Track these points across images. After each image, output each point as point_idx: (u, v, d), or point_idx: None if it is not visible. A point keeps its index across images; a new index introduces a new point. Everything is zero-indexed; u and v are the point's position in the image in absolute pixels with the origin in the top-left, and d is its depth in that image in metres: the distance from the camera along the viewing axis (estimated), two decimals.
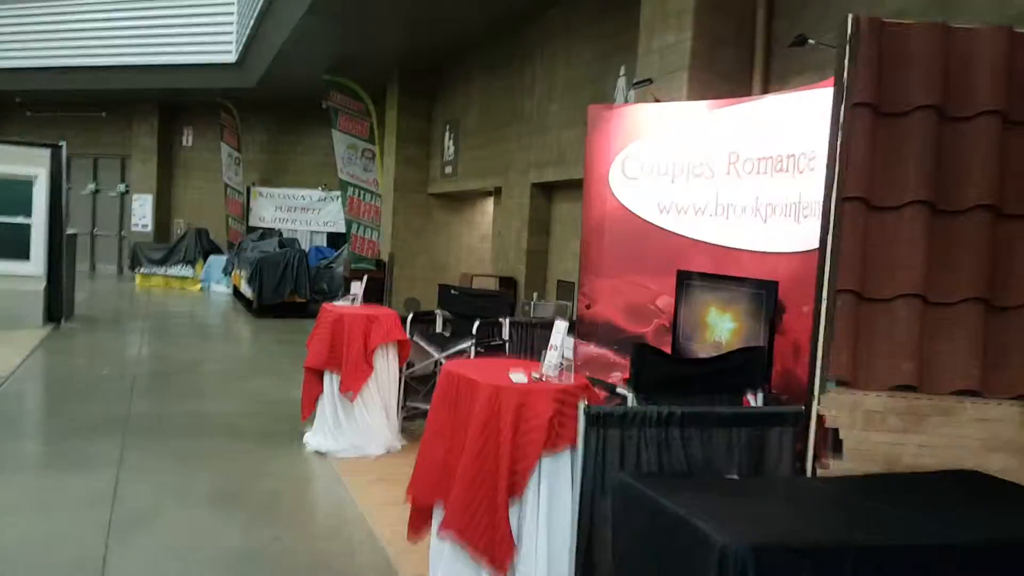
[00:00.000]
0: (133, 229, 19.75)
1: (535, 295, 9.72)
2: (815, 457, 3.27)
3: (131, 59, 16.90)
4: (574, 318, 6.36)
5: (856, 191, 3.18)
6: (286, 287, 13.68)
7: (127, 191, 20.18)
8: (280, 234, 16.90)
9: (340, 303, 6.27)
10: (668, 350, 5.20)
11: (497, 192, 11.58)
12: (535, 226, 10.20)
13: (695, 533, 2.34)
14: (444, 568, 3.39)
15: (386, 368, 5.81)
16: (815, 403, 3.29)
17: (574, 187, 8.98)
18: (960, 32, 3.18)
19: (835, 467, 3.24)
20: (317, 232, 18.20)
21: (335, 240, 17.67)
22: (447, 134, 13.33)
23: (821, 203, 3.30)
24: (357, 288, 6.29)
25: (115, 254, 20.50)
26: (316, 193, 18.13)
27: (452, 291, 6.81)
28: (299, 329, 12.33)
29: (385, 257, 14.13)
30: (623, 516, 2.83)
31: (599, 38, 8.57)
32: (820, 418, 3.28)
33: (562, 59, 9.42)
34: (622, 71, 7.93)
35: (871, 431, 3.26)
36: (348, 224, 14.81)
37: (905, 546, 2.31)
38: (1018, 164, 3.17)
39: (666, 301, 5.71)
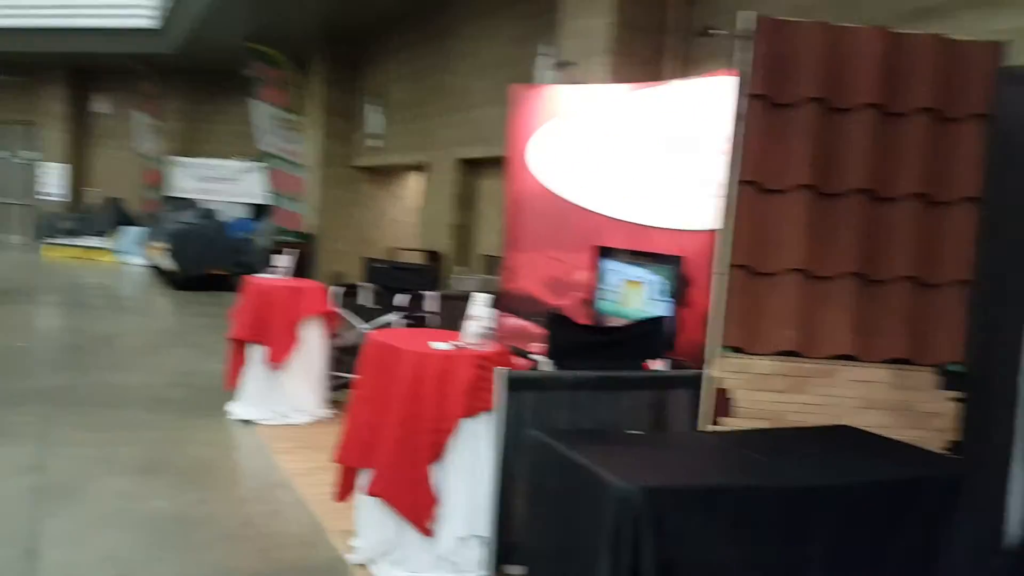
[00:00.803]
0: (42, 198, 19.07)
1: (460, 269, 9.93)
2: (711, 415, 3.61)
3: (38, 21, 16.24)
4: (497, 291, 6.60)
5: (750, 175, 3.49)
6: (206, 259, 13.53)
7: (36, 159, 19.45)
8: (200, 205, 16.60)
9: (266, 276, 6.36)
10: (587, 322, 5.49)
11: (424, 167, 11.70)
12: (461, 201, 10.38)
13: (596, 480, 2.61)
14: (370, 526, 3.61)
15: (313, 339, 5.95)
16: (711, 367, 3.62)
17: (498, 164, 9.19)
18: (843, 31, 3.51)
19: (728, 424, 3.59)
20: (238, 204, 17.93)
21: (256, 212, 17.45)
22: (374, 108, 13.33)
23: (723, 184, 3.61)
24: (286, 260, 6.39)
25: (21, 224, 19.75)
26: (237, 164, 17.84)
27: (379, 264, 6.98)
28: (219, 302, 12.23)
29: (310, 230, 14.09)
30: (536, 470, 3.09)
31: (520, 18, 8.76)
32: (715, 380, 3.62)
33: (485, 37, 9.58)
34: (543, 51, 8.14)
35: (760, 392, 3.60)
36: (270, 196, 14.68)
37: (774, 487, 2.65)
38: (892, 153, 3.53)
39: (583, 275, 6.00)
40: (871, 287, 3.59)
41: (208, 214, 15.34)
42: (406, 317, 6.32)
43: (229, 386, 5.97)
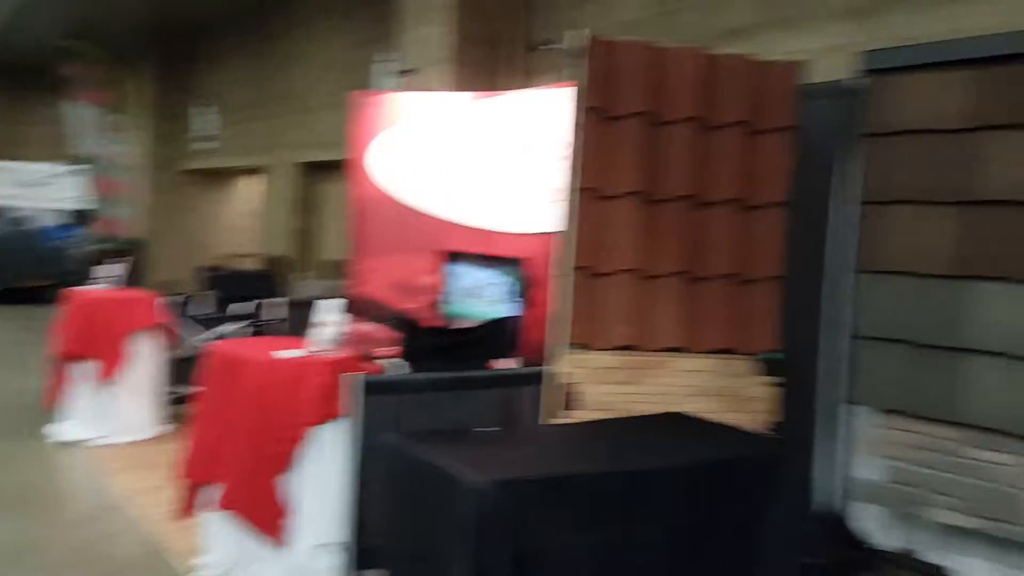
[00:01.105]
0: None
1: (303, 275, 9.76)
2: (558, 408, 3.80)
3: None
4: (344, 296, 6.57)
5: (588, 182, 3.71)
6: (19, 271, 12.52)
7: None
8: (12, 213, 15.28)
9: (91, 286, 6.02)
10: (437, 325, 5.58)
11: (262, 170, 11.39)
12: (302, 205, 10.20)
13: (449, 477, 2.71)
14: (218, 542, 3.53)
15: (145, 353, 5.69)
16: (556, 363, 3.81)
17: (340, 168, 9.12)
18: (665, 51, 3.80)
19: (575, 416, 3.79)
20: (54, 210, 16.65)
21: (76, 219, 16.28)
22: (207, 109, 12.81)
23: (563, 190, 3.81)
24: (116, 270, 6.07)
25: None
26: (50, 167, 16.56)
27: (216, 272, 6.75)
28: (36, 316, 11.35)
29: (138, 236, 13.34)
30: (391, 472, 3.15)
31: (360, 23, 8.75)
32: (561, 376, 3.81)
33: (324, 42, 9.48)
34: (381, 57, 8.17)
35: (602, 384, 3.83)
36: (91, 202, 13.77)
37: (612, 472, 2.85)
38: (710, 162, 3.85)
39: (430, 278, 6.10)
40: (696, 284, 3.91)
41: (20, 222, 14.18)
42: (248, 326, 6.17)
43: (49, 405, 5.60)
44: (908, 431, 3.57)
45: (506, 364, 4.16)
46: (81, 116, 13.47)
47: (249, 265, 10.28)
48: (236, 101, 11.87)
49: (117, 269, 6.11)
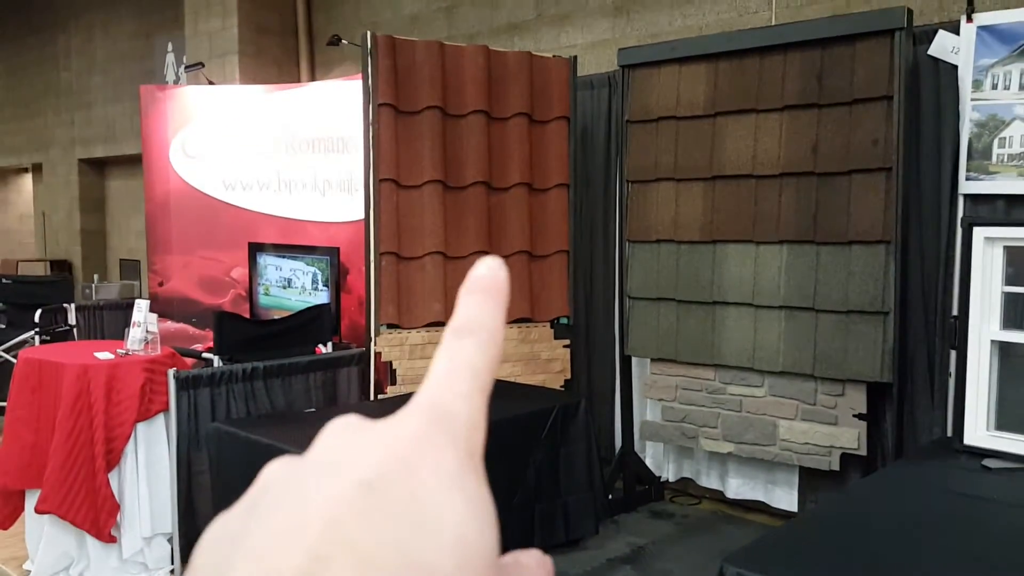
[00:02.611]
0: None
1: (96, 277, 9.30)
2: (376, 385, 4.09)
3: None
4: (145, 296, 6.44)
5: (387, 174, 4.00)
6: None
7: None
8: None
9: None
10: (252, 317, 5.66)
11: (37, 169, 10.64)
12: (88, 204, 9.68)
13: (275, 452, 2.94)
14: (45, 544, 3.53)
15: None
16: (372, 344, 4.09)
17: (128, 163, 8.76)
18: (452, 48, 4.15)
19: (393, 391, 4.10)
20: None
21: None
22: None
23: (364, 181, 4.07)
24: None
25: None
26: None
27: (3, 280, 6.39)
28: None
29: None
30: (218, 458, 3.33)
31: (141, 13, 8.43)
32: (378, 355, 4.10)
33: (101, 32, 9.02)
34: (170, 47, 7.97)
35: (416, 360, 4.16)
36: None
37: None
38: (499, 150, 4.26)
39: (240, 272, 6.14)
40: None
41: None
42: (44, 333, 5.93)
43: None
44: (676, 375, 4.18)
45: (322, 349, 4.38)
46: None
47: (35, 271, 9.64)
48: (1, 97, 10.98)
49: None
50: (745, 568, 1.92)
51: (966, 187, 3.51)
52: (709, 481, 4.42)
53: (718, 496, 4.39)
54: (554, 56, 4.43)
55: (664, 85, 4.13)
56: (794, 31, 3.76)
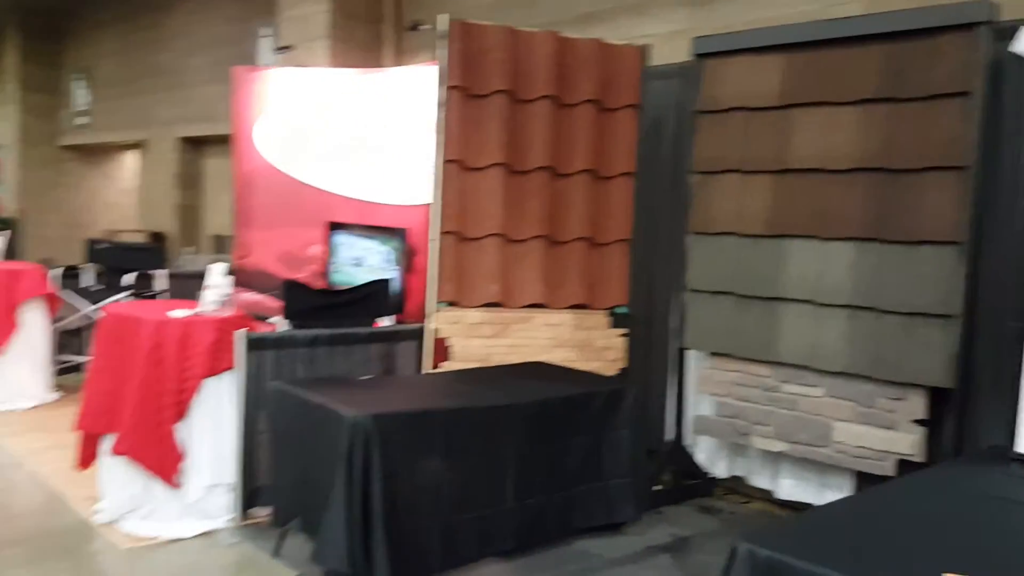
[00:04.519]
0: None
1: (188, 249, 9.76)
2: (432, 360, 4.20)
3: None
4: (231, 269, 6.74)
5: (453, 155, 4.10)
6: None
7: None
8: None
9: None
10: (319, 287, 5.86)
11: (140, 145, 11.23)
12: (184, 180, 10.16)
13: (332, 414, 3.08)
14: (116, 486, 3.76)
15: (34, 323, 5.75)
16: (430, 320, 4.20)
17: (223, 142, 9.15)
18: (523, 34, 4.21)
19: (447, 367, 4.20)
20: None
21: None
22: (79, 83, 12.45)
23: (432, 163, 4.18)
24: None
25: None
26: None
27: (102, 244, 6.80)
28: None
29: (12, 214, 12.87)
30: (277, 414, 3.49)
31: None
32: (435, 331, 4.21)
33: (201, 14, 9.45)
34: (264, 32, 8.29)
35: (472, 338, 4.26)
36: None
37: (472, 408, 3.28)
38: (565, 137, 4.31)
39: (317, 249, 6.36)
40: (555, 247, 4.38)
41: None
42: (135, 296, 6.28)
43: None
44: (732, 371, 4.14)
45: (385, 323, 4.52)
46: None
47: (132, 240, 10.18)
48: (110, 76, 11.61)
49: (5, 242, 6.11)
50: (759, 546, 1.93)
51: None
52: (761, 481, 4.35)
53: (769, 497, 4.33)
54: (626, 45, 4.44)
55: (737, 75, 4.09)
56: (873, 23, 3.67)
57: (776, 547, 1.92)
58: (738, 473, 4.47)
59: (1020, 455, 2.88)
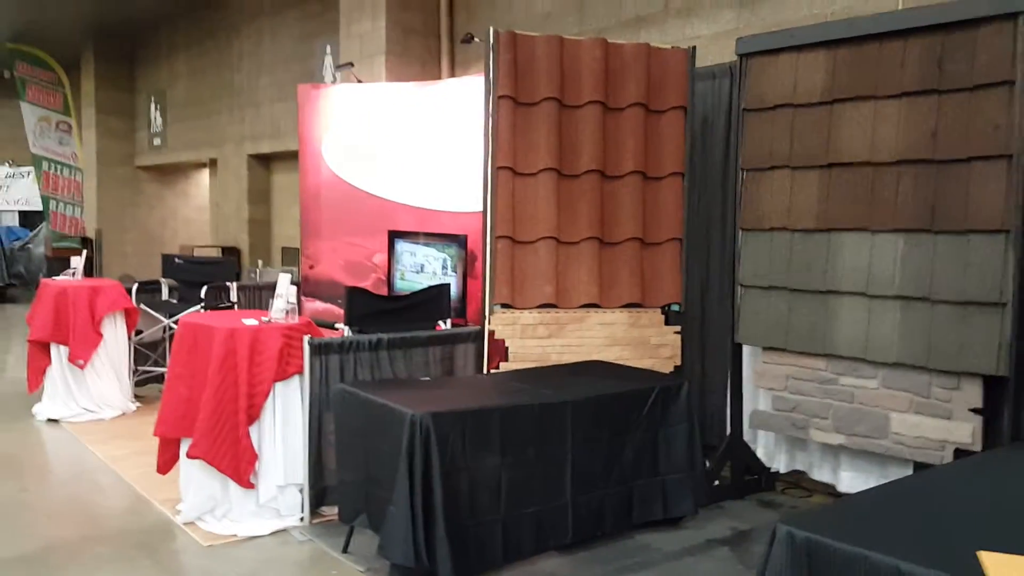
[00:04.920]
0: None
1: (259, 262, 10.14)
2: (489, 361, 4.34)
3: None
4: (299, 280, 7.02)
5: (504, 162, 4.24)
6: None
7: None
8: None
9: (59, 278, 6.39)
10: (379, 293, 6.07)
11: (212, 163, 11.70)
12: (255, 195, 10.56)
13: (393, 413, 3.24)
14: (194, 488, 4.00)
15: (114, 336, 6.10)
16: (487, 322, 4.34)
17: (291, 158, 9.50)
18: (569, 42, 4.32)
19: (505, 367, 4.33)
20: (7, 211, 16.75)
21: (30, 220, 16.40)
22: (153, 105, 13.05)
23: (483, 169, 4.32)
24: (77, 263, 6.46)
25: None
26: (3, 169, 16.64)
27: (176, 260, 7.15)
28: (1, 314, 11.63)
29: (91, 234, 13.55)
30: (342, 414, 3.67)
31: (303, 18, 9.12)
32: (491, 333, 4.35)
33: (269, 35, 9.83)
34: (328, 50, 8.58)
35: (527, 339, 4.38)
36: (45, 201, 13.96)
37: (528, 404, 3.40)
38: (614, 140, 4.40)
39: (381, 258, 6.58)
40: (607, 248, 4.47)
41: None
42: (209, 308, 6.58)
43: (32, 389, 6.00)
44: (787, 365, 4.17)
45: (441, 326, 4.68)
46: (31, 117, 13.63)
47: (206, 254, 10.62)
48: (182, 97, 12.15)
49: (76, 263, 6.50)
50: (797, 527, 2.00)
51: None
52: (821, 475, 4.36)
53: (831, 491, 4.33)
54: (672, 47, 4.51)
55: (782, 73, 4.13)
56: (915, 16, 3.67)
57: (814, 528, 1.99)
58: (799, 467, 4.48)
59: None
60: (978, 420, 3.56)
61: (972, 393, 3.58)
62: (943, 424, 3.64)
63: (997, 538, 2.01)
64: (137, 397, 6.33)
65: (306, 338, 3.93)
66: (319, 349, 3.96)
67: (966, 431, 3.57)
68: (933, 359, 3.64)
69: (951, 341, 3.59)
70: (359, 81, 6.68)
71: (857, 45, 3.85)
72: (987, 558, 1.85)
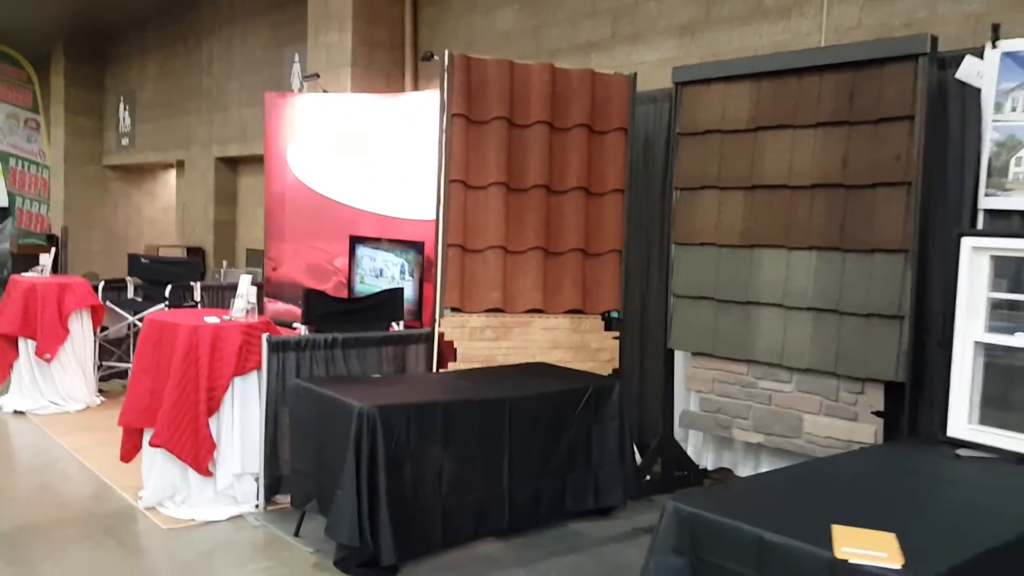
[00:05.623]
0: None
1: (224, 263, 10.33)
2: (439, 361, 4.63)
3: None
4: (262, 281, 7.25)
5: (457, 175, 4.54)
6: None
7: None
8: None
9: (28, 275, 6.57)
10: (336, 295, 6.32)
11: (180, 165, 11.86)
12: (221, 197, 10.76)
13: (343, 405, 3.52)
14: (155, 475, 4.24)
15: (81, 332, 6.29)
16: (437, 325, 4.64)
17: (258, 162, 9.72)
18: (520, 67, 4.64)
19: (453, 367, 4.62)
20: None
21: None
22: (122, 106, 13.17)
23: (437, 182, 4.62)
24: (46, 260, 6.64)
25: None
26: None
27: (142, 259, 7.34)
28: None
29: (57, 231, 13.62)
30: (297, 407, 3.93)
31: (273, 26, 9.36)
32: (441, 335, 4.64)
33: (238, 41, 10.05)
34: (296, 58, 8.83)
35: (475, 340, 4.68)
36: (11, 198, 13.99)
37: (469, 400, 3.70)
38: (559, 157, 4.72)
39: (342, 261, 6.84)
40: (552, 258, 4.79)
41: None
42: (173, 307, 6.79)
43: (0, 381, 6.18)
44: (713, 369, 4.51)
45: (394, 327, 4.96)
46: None
47: (172, 255, 10.79)
48: (151, 98, 12.30)
49: (45, 260, 6.68)
50: (682, 503, 2.32)
51: (985, 203, 3.71)
52: (744, 471, 4.70)
53: None
54: (615, 73, 4.85)
55: (712, 101, 4.48)
56: (830, 53, 4.05)
57: (696, 504, 2.31)
58: (725, 465, 4.82)
59: (947, 438, 3.22)
60: (880, 422, 3.92)
61: (875, 397, 3.94)
62: (849, 425, 4.01)
63: (859, 514, 2.34)
64: (101, 391, 6.51)
65: (264, 336, 4.19)
66: (276, 347, 4.22)
67: (869, 432, 3.94)
68: (841, 366, 4.00)
69: (857, 349, 3.95)
70: (324, 91, 6.95)
71: (780, 78, 4.21)
72: (838, 530, 2.19)
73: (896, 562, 1.98)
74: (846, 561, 1.99)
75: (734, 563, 2.18)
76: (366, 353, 4.51)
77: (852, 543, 2.11)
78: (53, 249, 7.12)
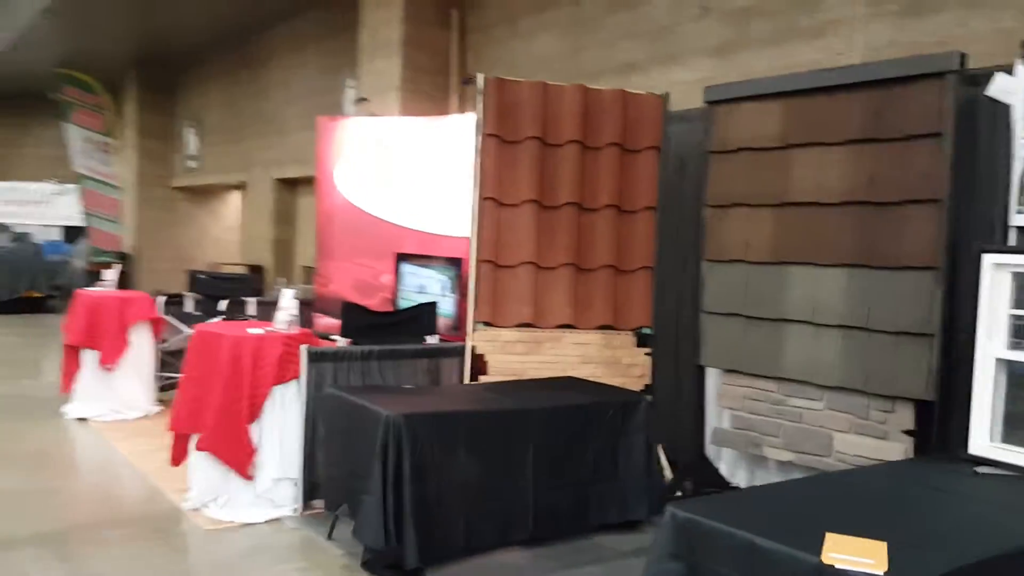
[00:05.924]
0: None
1: (281, 280, 10.67)
2: (472, 374, 4.75)
3: None
4: (311, 295, 7.50)
5: (490, 193, 4.67)
6: (21, 282, 13.43)
7: None
8: (13, 229, 16.21)
9: (93, 289, 6.94)
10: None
11: (242, 186, 12.33)
12: (279, 217, 11.15)
13: (371, 413, 3.66)
14: (201, 478, 4.44)
15: (141, 344, 6.61)
16: (470, 338, 4.76)
17: (313, 183, 10.06)
18: (553, 88, 4.77)
19: (485, 379, 4.73)
20: (52, 226, 17.55)
21: (71, 234, 17.17)
22: (189, 130, 13.76)
23: (471, 200, 4.76)
24: (111, 275, 7.01)
25: None
26: (48, 187, 17.46)
27: (201, 275, 7.67)
28: (38, 323, 12.28)
29: (128, 250, 14.24)
30: (329, 414, 4.09)
31: (327, 53, 9.72)
32: (473, 348, 4.76)
33: (296, 69, 10.45)
34: (349, 84, 9.14)
35: (506, 354, 4.79)
36: (86, 217, 14.69)
37: (495, 410, 3.80)
38: (591, 176, 4.82)
39: (387, 278, 7.03)
40: (583, 274, 4.88)
41: (22, 237, 15.11)
42: (228, 320, 7.07)
43: (64, 390, 6.52)
44: (744, 386, 4.52)
45: (428, 340, 5.10)
46: (76, 138, 14.42)
47: (232, 271, 11.19)
48: (217, 123, 12.83)
49: (111, 276, 7.05)
50: (680, 510, 2.38)
51: (1016, 220, 3.66)
52: None
53: None
54: (648, 93, 4.94)
55: (743, 119, 4.52)
56: (857, 72, 4.06)
57: (694, 511, 2.36)
58: (757, 483, 4.80)
59: (969, 456, 3.19)
60: (910, 441, 3.88)
61: (905, 415, 3.90)
62: (879, 444, 3.97)
63: (856, 524, 2.33)
64: (160, 401, 6.82)
65: (303, 347, 4.37)
66: (315, 357, 4.40)
67: (899, 450, 3.89)
68: (870, 384, 3.98)
69: (886, 367, 3.92)
70: (374, 115, 7.19)
71: (809, 96, 4.24)
72: (831, 537, 2.21)
73: (881, 568, 2.00)
74: (832, 567, 2.02)
75: (727, 568, 2.22)
76: (401, 365, 4.66)
77: (841, 550, 2.13)
78: (118, 265, 7.48)
